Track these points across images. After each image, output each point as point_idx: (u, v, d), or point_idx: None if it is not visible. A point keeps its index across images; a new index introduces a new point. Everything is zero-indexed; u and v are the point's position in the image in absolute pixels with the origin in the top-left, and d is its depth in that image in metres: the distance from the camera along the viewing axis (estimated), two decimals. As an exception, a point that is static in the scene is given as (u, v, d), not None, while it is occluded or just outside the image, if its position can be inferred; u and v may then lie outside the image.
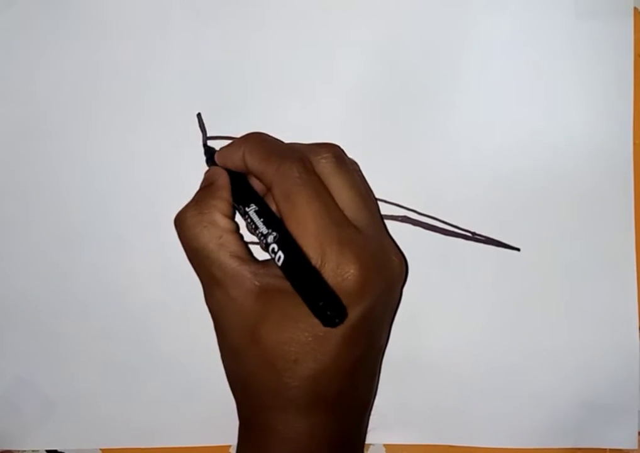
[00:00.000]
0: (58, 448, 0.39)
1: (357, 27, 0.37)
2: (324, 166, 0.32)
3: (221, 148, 0.35)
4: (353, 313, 0.30)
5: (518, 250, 0.37)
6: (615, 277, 0.37)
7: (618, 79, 0.36)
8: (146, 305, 0.38)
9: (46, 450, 0.39)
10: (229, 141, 0.35)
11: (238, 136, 0.34)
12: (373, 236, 0.32)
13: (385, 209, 0.37)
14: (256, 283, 0.31)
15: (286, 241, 0.30)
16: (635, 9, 0.36)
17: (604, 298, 0.37)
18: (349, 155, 0.36)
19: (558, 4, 0.36)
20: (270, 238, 0.31)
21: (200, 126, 0.37)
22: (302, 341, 0.30)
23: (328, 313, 0.28)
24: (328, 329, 0.30)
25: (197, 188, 0.34)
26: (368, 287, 0.30)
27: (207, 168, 0.36)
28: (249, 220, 0.32)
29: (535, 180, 0.37)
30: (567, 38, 0.36)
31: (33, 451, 0.39)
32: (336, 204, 0.31)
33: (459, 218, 0.37)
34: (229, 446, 0.38)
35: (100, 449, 0.39)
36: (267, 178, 0.31)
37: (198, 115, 0.37)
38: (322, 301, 0.29)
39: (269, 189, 0.32)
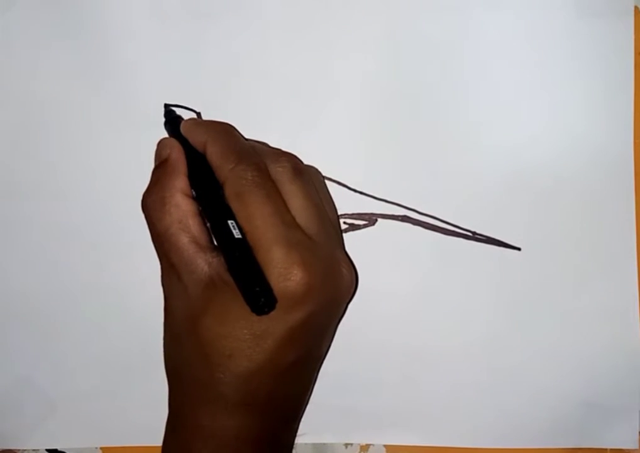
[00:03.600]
0: (59, 447, 0.39)
1: (358, 28, 0.37)
2: (281, 174, 0.32)
3: (189, 120, 0.35)
4: (293, 316, 0.30)
5: (519, 249, 0.37)
6: (615, 276, 0.37)
7: (619, 78, 0.36)
8: (146, 305, 0.38)
9: (47, 450, 0.39)
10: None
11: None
12: (324, 244, 0.31)
13: (385, 208, 0.37)
14: (207, 272, 0.31)
15: (224, 227, 0.30)
16: (635, 7, 0.36)
17: (605, 297, 0.37)
18: (349, 155, 0.36)
19: (559, 3, 0.36)
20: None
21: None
22: (239, 338, 0.30)
23: (262, 299, 0.28)
24: (266, 329, 0.30)
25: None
26: (313, 292, 0.30)
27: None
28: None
29: (536, 180, 0.37)
30: (567, 37, 0.36)
31: (33, 450, 0.39)
32: (287, 208, 0.31)
33: (459, 217, 0.37)
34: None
35: (101, 448, 0.39)
36: (222, 174, 0.31)
37: (198, 114, 0.37)
38: (255, 285, 0.29)
39: (222, 184, 0.31)
